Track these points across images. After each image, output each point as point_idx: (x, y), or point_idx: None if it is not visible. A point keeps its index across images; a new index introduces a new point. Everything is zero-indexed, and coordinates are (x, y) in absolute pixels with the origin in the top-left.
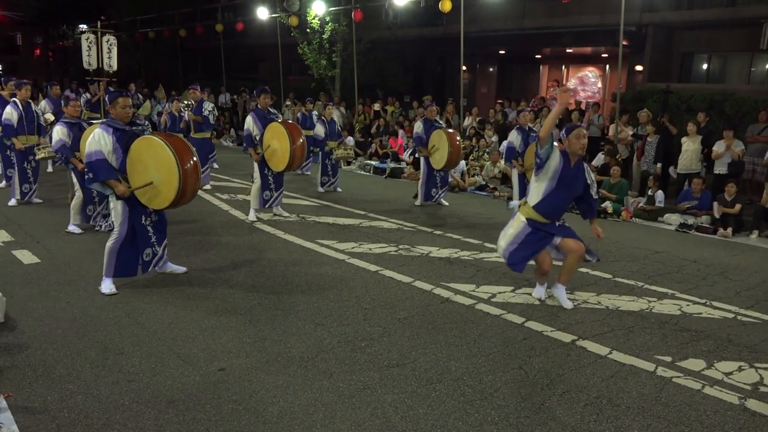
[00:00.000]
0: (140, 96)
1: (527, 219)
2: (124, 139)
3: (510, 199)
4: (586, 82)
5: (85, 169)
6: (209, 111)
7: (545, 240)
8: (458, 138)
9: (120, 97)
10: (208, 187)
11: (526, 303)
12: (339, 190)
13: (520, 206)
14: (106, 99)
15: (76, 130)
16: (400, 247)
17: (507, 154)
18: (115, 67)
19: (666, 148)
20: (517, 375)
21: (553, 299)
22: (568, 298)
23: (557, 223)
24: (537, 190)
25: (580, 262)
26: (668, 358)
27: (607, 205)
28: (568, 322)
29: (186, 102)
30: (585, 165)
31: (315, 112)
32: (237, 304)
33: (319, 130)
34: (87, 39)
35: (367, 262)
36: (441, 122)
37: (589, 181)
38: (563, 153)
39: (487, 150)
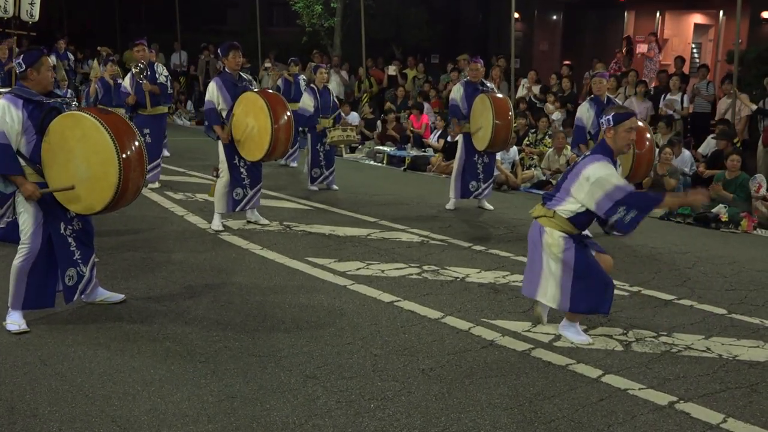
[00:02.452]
0: (71, 56)
1: (565, 234)
2: (39, 115)
3: None
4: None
5: None
6: (166, 77)
7: (589, 250)
8: (509, 106)
9: (43, 56)
10: (155, 185)
11: (604, 349)
12: (335, 187)
13: (537, 216)
14: (21, 61)
15: None
16: (425, 268)
17: (575, 137)
18: (37, 16)
19: None
20: None
21: (643, 344)
22: (652, 338)
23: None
24: (579, 196)
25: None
26: None
27: (721, 211)
28: (664, 377)
29: (140, 65)
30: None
31: (302, 78)
32: (195, 348)
33: (307, 102)
34: None
35: (379, 290)
36: (489, 85)
37: None
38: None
39: (549, 132)
